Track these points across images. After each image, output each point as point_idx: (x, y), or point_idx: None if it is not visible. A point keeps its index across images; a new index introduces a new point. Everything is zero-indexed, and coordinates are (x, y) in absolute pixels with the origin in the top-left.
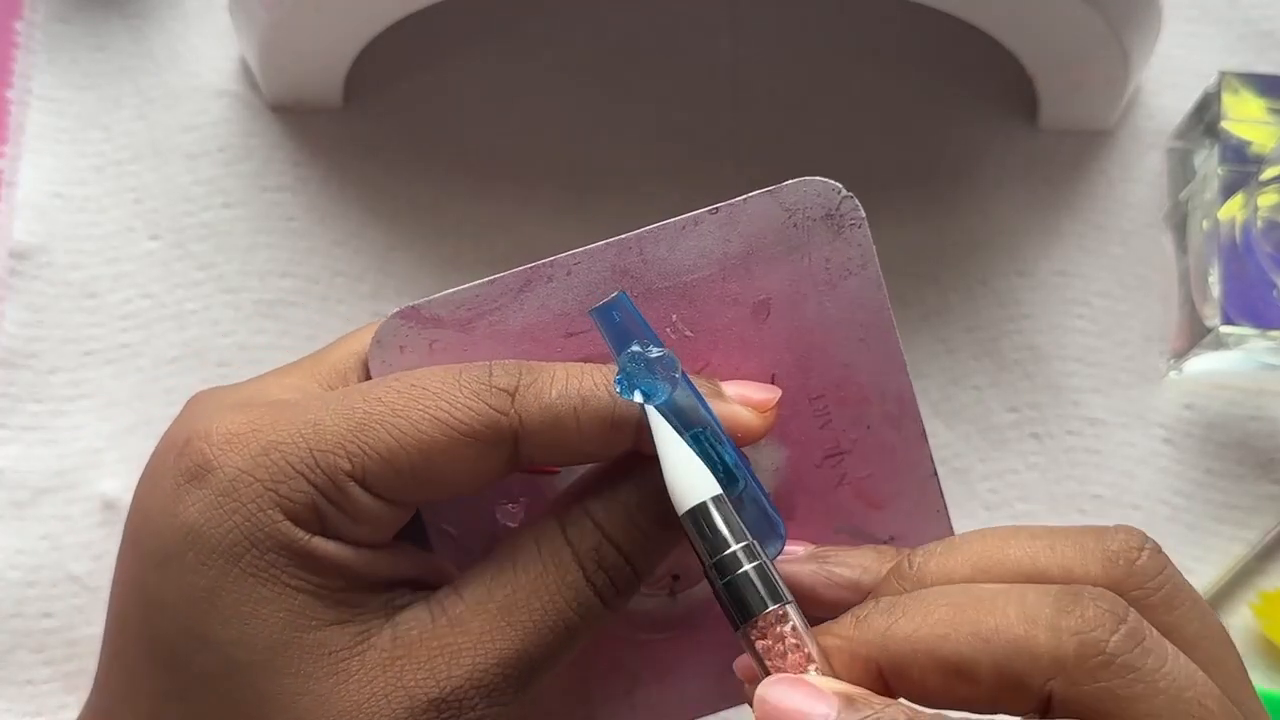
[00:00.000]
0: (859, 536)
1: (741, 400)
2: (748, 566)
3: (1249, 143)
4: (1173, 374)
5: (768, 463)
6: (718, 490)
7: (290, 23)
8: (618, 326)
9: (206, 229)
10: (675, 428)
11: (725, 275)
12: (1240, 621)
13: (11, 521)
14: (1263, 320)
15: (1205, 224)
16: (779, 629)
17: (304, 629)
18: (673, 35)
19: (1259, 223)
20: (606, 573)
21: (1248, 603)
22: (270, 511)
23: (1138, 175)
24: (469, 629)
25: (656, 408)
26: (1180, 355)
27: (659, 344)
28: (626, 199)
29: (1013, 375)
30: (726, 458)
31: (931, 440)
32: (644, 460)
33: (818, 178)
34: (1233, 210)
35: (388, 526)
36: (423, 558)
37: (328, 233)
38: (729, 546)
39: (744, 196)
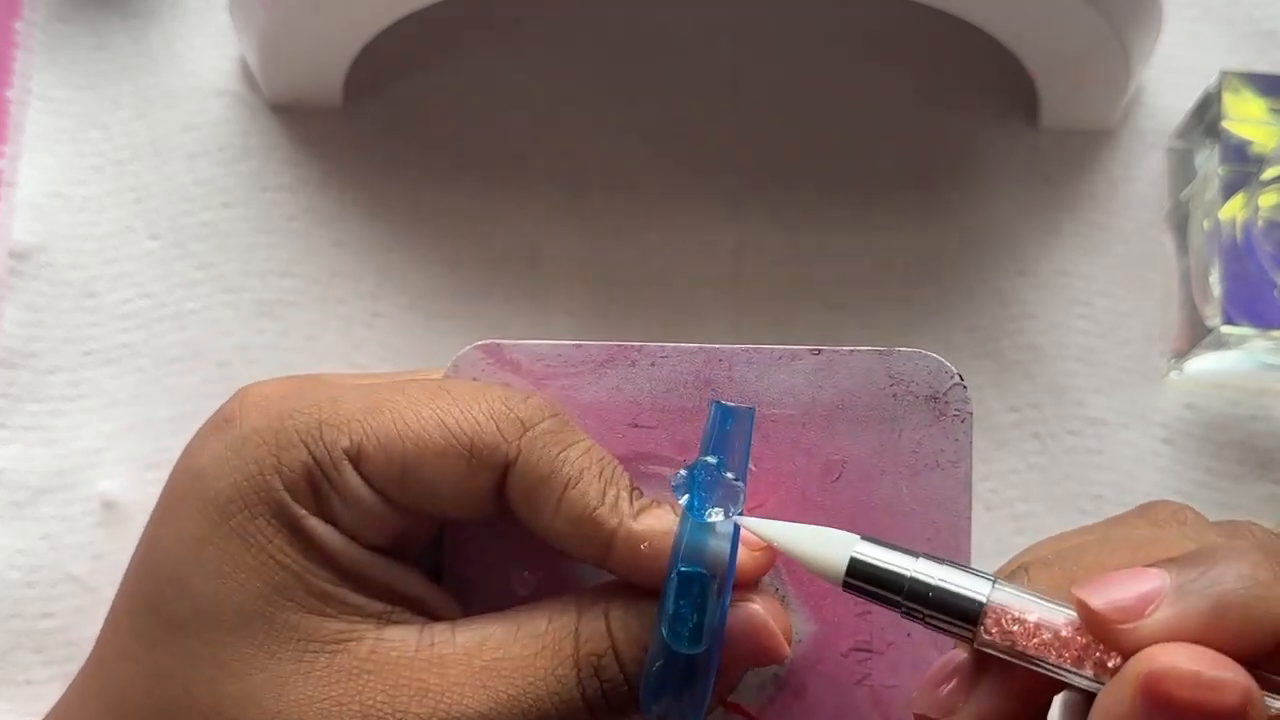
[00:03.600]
0: None
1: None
2: (936, 578)
3: (1250, 142)
4: (1173, 374)
5: (790, 631)
6: (853, 536)
7: (290, 23)
8: (725, 433)
9: (206, 229)
10: (684, 555)
11: (807, 422)
12: None
13: (11, 521)
14: (1263, 320)
15: (1206, 224)
16: (1011, 609)
17: (279, 607)
18: (673, 35)
19: (1260, 222)
20: (601, 683)
21: None
22: (270, 476)
23: (1139, 175)
24: (446, 674)
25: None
26: (1181, 355)
27: (742, 475)
28: (626, 199)
29: (1014, 375)
30: (706, 617)
31: None
32: None
33: (935, 355)
34: (1234, 210)
35: (376, 523)
36: (430, 584)
37: (327, 233)
38: (908, 571)
39: (851, 348)
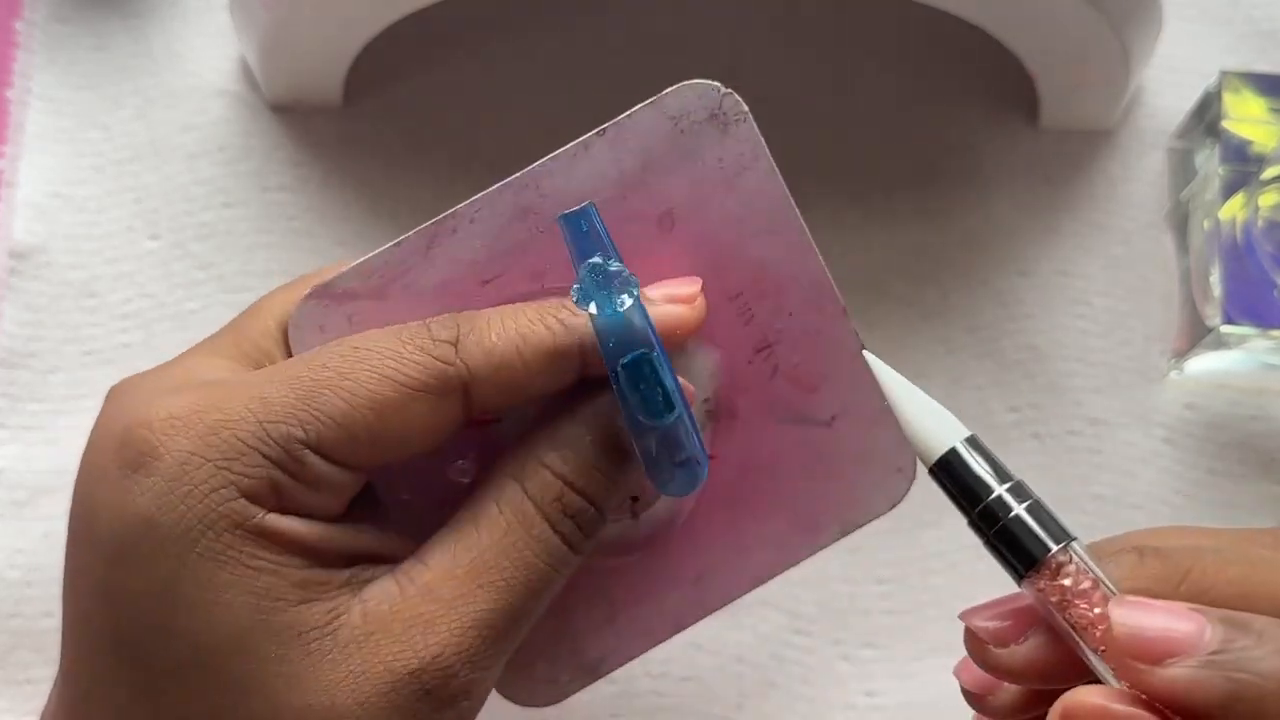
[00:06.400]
0: (802, 423)
1: (668, 299)
2: (1019, 509)
3: (1250, 142)
4: (1174, 374)
5: (701, 369)
6: (965, 431)
7: (290, 23)
8: (584, 236)
9: (206, 229)
10: (615, 349)
11: (625, 193)
12: None
13: (11, 521)
14: (1264, 320)
15: (1206, 223)
16: (1068, 570)
17: (271, 611)
18: (673, 35)
19: (1260, 222)
20: (573, 519)
21: None
22: (224, 490)
23: (1139, 175)
24: (440, 596)
25: None
26: (1181, 355)
27: (619, 259)
28: None
29: (1014, 375)
30: (666, 382)
31: None
32: (587, 397)
33: (697, 80)
34: (1234, 210)
35: (344, 494)
36: (377, 531)
37: (328, 233)
38: (994, 490)
39: (627, 113)
